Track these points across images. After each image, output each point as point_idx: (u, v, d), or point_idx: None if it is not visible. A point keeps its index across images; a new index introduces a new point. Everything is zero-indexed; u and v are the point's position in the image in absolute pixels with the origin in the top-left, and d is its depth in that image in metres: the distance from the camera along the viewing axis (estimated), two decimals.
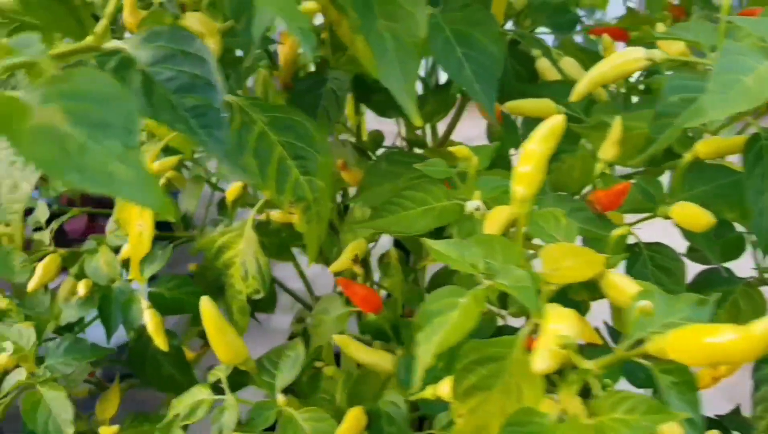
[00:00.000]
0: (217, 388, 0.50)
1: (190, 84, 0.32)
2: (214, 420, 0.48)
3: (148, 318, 0.73)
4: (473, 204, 0.44)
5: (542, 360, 0.30)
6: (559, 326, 0.31)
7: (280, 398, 0.47)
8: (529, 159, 0.34)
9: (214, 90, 0.32)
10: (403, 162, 0.61)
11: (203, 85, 0.32)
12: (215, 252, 0.75)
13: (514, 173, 0.35)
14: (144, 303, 0.74)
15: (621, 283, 0.39)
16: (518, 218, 0.36)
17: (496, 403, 0.37)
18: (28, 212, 0.88)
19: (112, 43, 0.32)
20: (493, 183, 0.46)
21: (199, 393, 0.49)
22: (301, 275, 0.95)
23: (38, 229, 0.86)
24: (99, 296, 0.76)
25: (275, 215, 0.82)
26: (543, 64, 0.71)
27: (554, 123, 0.33)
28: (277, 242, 0.83)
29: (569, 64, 0.71)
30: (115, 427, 0.83)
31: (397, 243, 0.95)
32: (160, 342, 0.73)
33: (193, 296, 0.79)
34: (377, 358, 0.52)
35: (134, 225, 0.57)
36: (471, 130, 0.95)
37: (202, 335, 0.98)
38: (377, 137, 0.79)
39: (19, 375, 0.69)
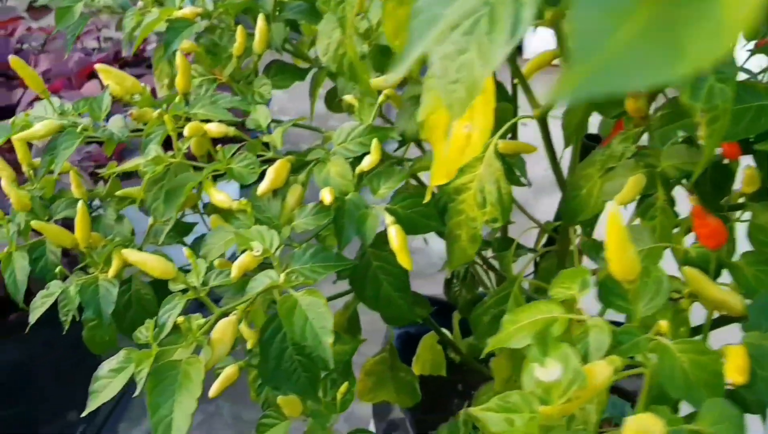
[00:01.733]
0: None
1: None
2: (578, 340, 0.45)
3: (394, 234, 0.70)
4: None
5: None
6: None
7: (663, 324, 0.43)
8: None
9: None
10: None
11: None
12: None
13: None
14: (389, 219, 0.71)
15: None
16: None
17: None
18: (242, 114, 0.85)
19: None
20: None
21: (548, 310, 0.45)
22: None
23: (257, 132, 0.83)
24: (334, 207, 0.73)
25: None
26: None
27: None
28: None
29: None
30: None
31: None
32: (404, 260, 0.70)
33: (425, 218, 0.75)
34: (728, 297, 0.48)
35: (456, 127, 0.53)
36: None
37: None
38: None
39: (266, 278, 0.67)
